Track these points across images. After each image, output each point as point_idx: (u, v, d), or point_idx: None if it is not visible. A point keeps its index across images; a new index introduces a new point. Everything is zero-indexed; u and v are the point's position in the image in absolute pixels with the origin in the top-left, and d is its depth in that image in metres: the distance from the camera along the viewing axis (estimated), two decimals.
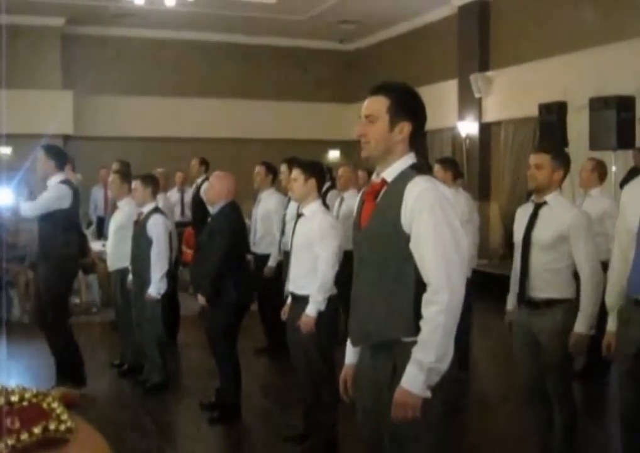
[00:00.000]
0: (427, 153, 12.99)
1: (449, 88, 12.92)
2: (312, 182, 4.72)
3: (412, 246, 2.59)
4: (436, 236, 2.56)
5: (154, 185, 6.36)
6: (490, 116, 12.24)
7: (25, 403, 0.94)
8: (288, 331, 4.87)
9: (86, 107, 13.89)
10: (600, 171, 6.34)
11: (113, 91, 14.37)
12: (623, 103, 8.62)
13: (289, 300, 4.88)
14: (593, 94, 9.01)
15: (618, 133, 8.54)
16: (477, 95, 12.16)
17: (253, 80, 15.59)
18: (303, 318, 4.55)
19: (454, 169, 6.51)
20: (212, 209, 5.66)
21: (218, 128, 14.93)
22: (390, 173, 2.71)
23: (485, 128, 12.39)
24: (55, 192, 5.84)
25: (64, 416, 1.14)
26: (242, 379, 5.61)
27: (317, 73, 16.18)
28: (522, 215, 4.22)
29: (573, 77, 10.05)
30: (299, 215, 4.85)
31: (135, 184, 6.32)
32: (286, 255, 6.69)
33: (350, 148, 16.21)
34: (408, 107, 2.72)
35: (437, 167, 6.32)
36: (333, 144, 16.02)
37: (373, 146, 2.72)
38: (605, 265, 5.45)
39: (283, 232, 7.02)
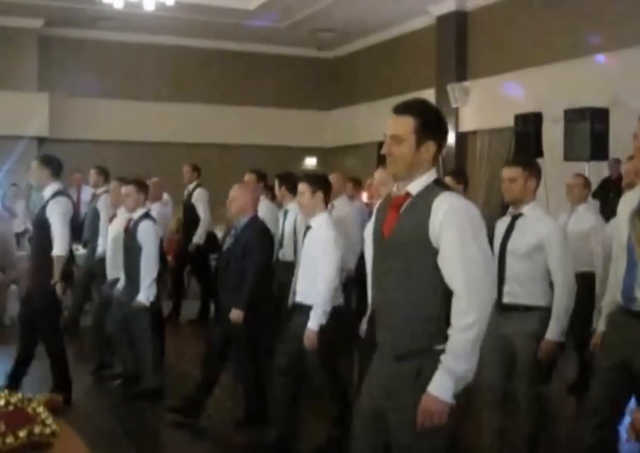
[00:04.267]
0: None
1: (426, 97, 12.74)
2: (319, 195, 4.80)
3: (440, 261, 2.65)
4: (465, 254, 2.62)
5: (146, 191, 6.29)
6: (466, 126, 12.34)
7: (11, 407, 0.96)
8: (287, 339, 4.93)
9: (62, 109, 13.79)
10: (589, 187, 6.52)
11: (89, 94, 14.28)
12: (597, 115, 8.74)
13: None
14: (568, 106, 9.12)
15: (592, 145, 8.65)
16: (454, 105, 12.25)
17: (230, 86, 15.58)
18: (306, 333, 4.61)
19: (465, 181, 6.50)
20: (238, 221, 5.48)
21: (195, 133, 14.90)
22: (414, 187, 2.75)
23: (461, 138, 12.49)
24: (60, 211, 5.74)
25: (48, 421, 1.15)
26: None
27: (295, 81, 16.22)
28: (500, 227, 4.32)
29: (549, 89, 10.17)
30: (307, 227, 4.90)
31: (127, 189, 6.19)
32: (284, 266, 6.68)
33: (327, 155, 16.29)
34: (434, 127, 2.77)
35: (448, 179, 6.16)
36: (310, 151, 16.07)
37: (399, 166, 2.76)
38: (590, 276, 5.52)
39: (281, 244, 6.96)
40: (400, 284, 2.74)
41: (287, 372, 4.83)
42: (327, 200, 4.91)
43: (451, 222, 2.62)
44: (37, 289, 5.89)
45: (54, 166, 5.91)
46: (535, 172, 4.28)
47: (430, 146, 2.74)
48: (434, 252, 2.65)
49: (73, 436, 1.12)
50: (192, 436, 5.42)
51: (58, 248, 5.71)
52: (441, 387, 2.58)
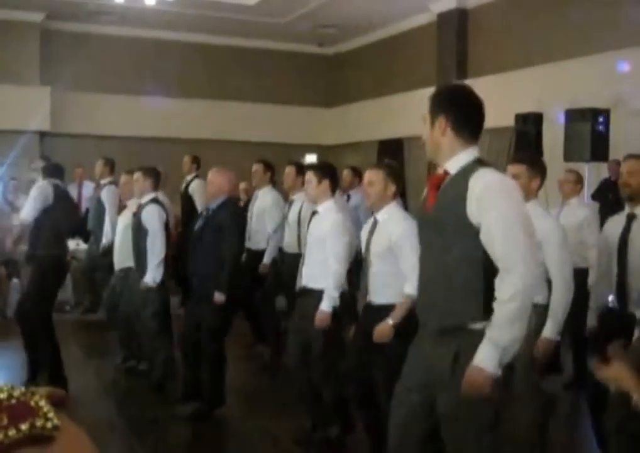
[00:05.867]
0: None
1: (427, 95, 12.94)
2: (326, 183, 4.89)
3: (483, 235, 2.65)
4: (507, 223, 2.64)
5: (156, 178, 6.34)
6: None
7: (13, 401, 0.97)
8: (292, 323, 5.02)
9: (64, 103, 13.78)
10: (581, 182, 6.62)
11: (91, 88, 14.28)
12: (598, 116, 8.73)
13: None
14: (569, 106, 9.12)
15: (592, 145, 8.63)
16: None
17: (231, 82, 15.55)
18: (318, 314, 4.63)
19: None
20: (211, 204, 5.57)
21: (196, 129, 14.87)
22: (452, 165, 2.82)
23: None
24: (36, 191, 5.89)
25: (51, 414, 1.16)
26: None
27: (296, 77, 16.19)
28: None
29: (550, 88, 10.17)
30: (314, 213, 4.99)
31: (136, 175, 6.29)
32: (288, 256, 6.73)
33: (327, 152, 16.27)
34: (441, 102, 2.91)
35: None
36: (310, 148, 16.06)
37: (427, 145, 2.90)
38: (583, 272, 5.58)
39: (281, 231, 7.00)
40: (438, 259, 2.78)
41: (304, 363, 4.83)
42: (333, 188, 4.99)
43: (490, 197, 2.66)
44: (35, 282, 5.91)
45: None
46: (539, 170, 4.29)
47: (441, 122, 2.84)
48: (472, 228, 2.67)
49: (78, 430, 1.13)
50: (192, 428, 5.43)
51: (23, 213, 5.86)
52: (485, 358, 2.60)
